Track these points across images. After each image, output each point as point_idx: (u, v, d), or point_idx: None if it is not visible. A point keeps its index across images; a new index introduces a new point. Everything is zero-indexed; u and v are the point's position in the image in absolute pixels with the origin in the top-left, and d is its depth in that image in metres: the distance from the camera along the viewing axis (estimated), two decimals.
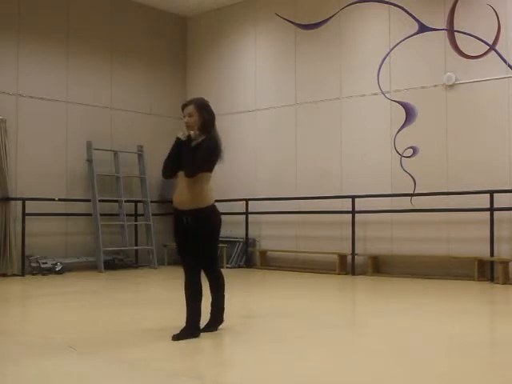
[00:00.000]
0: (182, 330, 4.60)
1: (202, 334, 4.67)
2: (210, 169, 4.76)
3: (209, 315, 4.86)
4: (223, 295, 4.96)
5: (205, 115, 4.74)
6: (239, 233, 11.52)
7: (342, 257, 10.01)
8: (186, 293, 4.72)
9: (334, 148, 10.51)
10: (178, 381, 3.64)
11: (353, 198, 9.96)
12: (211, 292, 4.89)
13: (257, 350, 4.42)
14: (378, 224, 9.95)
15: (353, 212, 9.96)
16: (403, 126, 9.66)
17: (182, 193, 4.68)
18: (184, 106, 4.81)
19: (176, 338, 4.52)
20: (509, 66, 8.80)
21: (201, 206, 4.66)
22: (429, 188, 9.33)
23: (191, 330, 4.60)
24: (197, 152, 4.66)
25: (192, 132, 4.69)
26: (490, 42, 8.91)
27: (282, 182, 11.13)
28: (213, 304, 4.88)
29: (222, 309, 4.95)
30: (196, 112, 4.72)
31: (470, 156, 9.13)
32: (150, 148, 11.41)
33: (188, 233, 4.71)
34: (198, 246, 4.71)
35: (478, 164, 9.04)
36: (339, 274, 9.87)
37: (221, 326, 4.94)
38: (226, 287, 4.98)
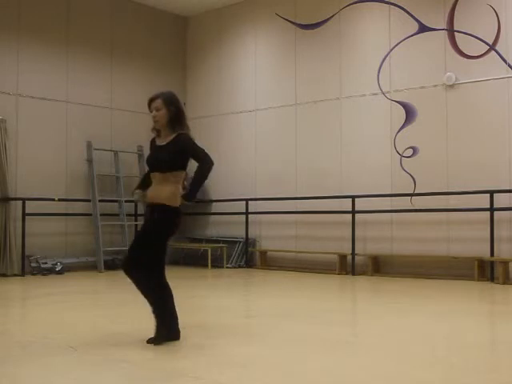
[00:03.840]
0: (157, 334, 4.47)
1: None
2: (183, 165, 4.49)
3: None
4: (166, 309, 4.48)
5: (173, 110, 4.45)
6: (239, 233, 11.52)
7: (342, 257, 10.01)
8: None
9: (334, 148, 10.51)
10: (177, 381, 3.64)
11: (353, 198, 9.96)
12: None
13: (256, 349, 4.42)
14: (378, 224, 9.95)
15: (353, 212, 9.96)
16: (403, 126, 9.67)
17: (152, 189, 4.49)
18: (151, 101, 4.51)
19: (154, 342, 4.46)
20: (509, 65, 8.80)
21: (167, 203, 4.40)
22: (429, 188, 9.33)
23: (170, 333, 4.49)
24: (168, 149, 4.41)
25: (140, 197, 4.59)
26: (490, 42, 8.91)
27: (281, 182, 11.13)
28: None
29: (163, 323, 4.46)
30: (164, 106, 4.45)
31: (469, 156, 9.13)
32: None
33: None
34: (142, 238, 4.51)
35: (477, 164, 9.03)
36: (339, 274, 9.87)
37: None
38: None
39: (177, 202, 4.46)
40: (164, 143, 4.50)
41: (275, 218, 11.16)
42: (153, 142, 4.65)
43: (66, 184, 10.74)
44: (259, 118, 11.61)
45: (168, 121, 4.48)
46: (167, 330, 4.46)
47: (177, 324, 4.52)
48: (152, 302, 4.48)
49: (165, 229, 4.48)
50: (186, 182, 4.56)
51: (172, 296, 4.54)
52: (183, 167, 4.51)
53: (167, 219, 4.45)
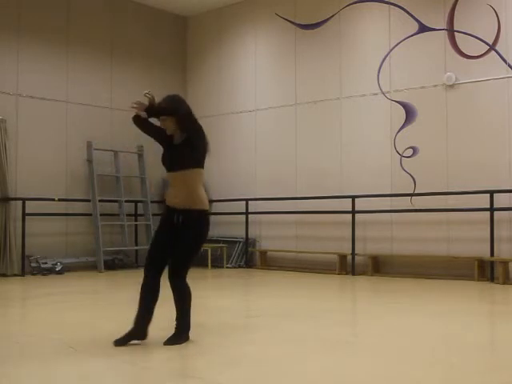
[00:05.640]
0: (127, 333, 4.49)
1: (188, 342, 4.49)
2: (200, 163, 4.52)
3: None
4: (187, 309, 4.54)
5: (176, 116, 4.49)
6: (239, 233, 11.52)
7: (342, 257, 10.01)
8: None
9: (334, 148, 10.51)
10: (178, 381, 3.64)
11: (353, 197, 9.96)
12: (175, 304, 4.56)
13: (257, 349, 4.42)
14: (378, 224, 9.95)
15: (353, 212, 9.96)
16: (403, 126, 9.66)
17: (175, 194, 4.50)
18: None
19: (119, 342, 4.42)
20: (509, 65, 8.80)
21: (195, 208, 4.45)
22: (429, 188, 9.33)
23: (139, 332, 4.50)
24: (181, 147, 4.48)
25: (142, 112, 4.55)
26: (490, 42, 8.90)
27: (281, 182, 11.13)
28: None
29: (183, 325, 4.52)
30: (167, 115, 4.50)
31: (469, 156, 9.14)
32: (150, 148, 11.38)
33: (175, 232, 4.48)
34: (179, 246, 4.48)
35: (477, 164, 9.03)
36: (339, 274, 9.87)
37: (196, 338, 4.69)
38: (191, 295, 4.58)
39: (206, 203, 4.54)
40: (177, 142, 4.56)
41: (275, 217, 11.16)
42: (170, 138, 4.64)
43: (66, 184, 10.74)
44: (259, 118, 11.61)
45: (176, 126, 4.53)
46: (185, 333, 4.48)
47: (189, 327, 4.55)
48: (180, 307, 4.51)
49: (203, 235, 4.55)
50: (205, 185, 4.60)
51: (191, 296, 4.59)
52: (198, 164, 4.51)
53: (201, 224, 4.51)
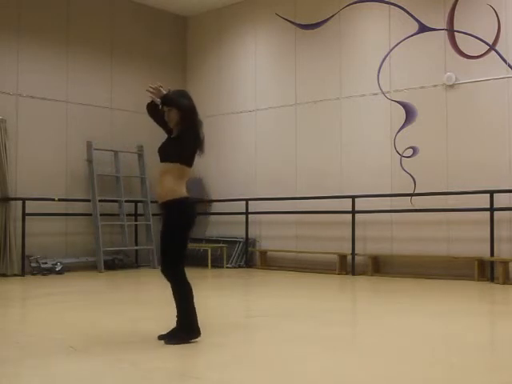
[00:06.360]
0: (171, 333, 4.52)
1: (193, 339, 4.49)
2: (185, 160, 4.57)
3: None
4: (184, 308, 4.52)
5: (180, 110, 4.60)
6: (239, 233, 11.52)
7: (342, 257, 10.01)
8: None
9: (334, 148, 10.51)
10: (178, 381, 3.64)
11: (353, 197, 9.96)
12: (174, 299, 4.59)
13: (257, 349, 4.42)
14: (378, 224, 9.95)
15: (353, 212, 9.96)
16: (403, 126, 9.67)
17: (157, 187, 4.61)
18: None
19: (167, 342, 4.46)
20: (509, 65, 8.80)
21: (169, 199, 4.49)
22: (429, 188, 9.33)
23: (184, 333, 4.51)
24: (174, 141, 4.60)
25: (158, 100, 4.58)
26: (490, 42, 8.91)
27: (281, 182, 11.13)
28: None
29: (183, 323, 4.51)
30: (173, 107, 4.59)
31: (469, 156, 9.14)
32: (150, 148, 11.39)
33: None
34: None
35: (477, 164, 9.03)
36: (339, 274, 9.87)
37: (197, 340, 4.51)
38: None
39: (180, 193, 4.50)
40: (173, 136, 4.66)
41: (275, 217, 11.16)
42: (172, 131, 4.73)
43: (66, 184, 10.74)
44: (259, 118, 11.61)
45: (178, 120, 4.60)
46: (186, 333, 4.47)
47: (197, 322, 4.53)
48: (178, 303, 4.53)
49: (176, 224, 4.51)
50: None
51: (192, 294, 4.57)
52: (183, 161, 4.55)
53: (175, 213, 4.50)
